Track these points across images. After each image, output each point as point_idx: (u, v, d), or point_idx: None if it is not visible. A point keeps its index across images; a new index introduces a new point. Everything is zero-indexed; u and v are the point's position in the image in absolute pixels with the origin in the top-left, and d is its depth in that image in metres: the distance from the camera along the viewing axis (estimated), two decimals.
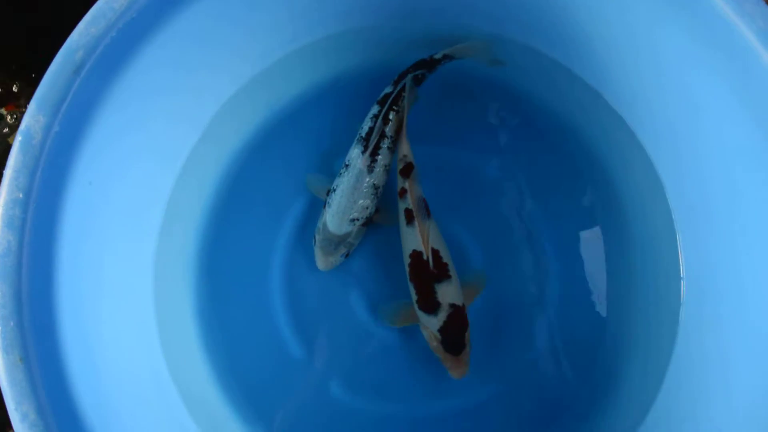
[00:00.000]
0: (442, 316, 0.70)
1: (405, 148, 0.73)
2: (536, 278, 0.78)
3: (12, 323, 0.53)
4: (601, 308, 0.76)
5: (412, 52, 0.77)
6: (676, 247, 0.72)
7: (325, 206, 0.75)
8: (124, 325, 0.66)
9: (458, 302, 0.70)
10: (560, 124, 0.79)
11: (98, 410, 0.57)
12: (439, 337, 0.70)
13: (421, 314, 0.71)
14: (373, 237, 0.79)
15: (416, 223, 0.70)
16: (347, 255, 0.76)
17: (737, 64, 0.58)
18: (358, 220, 0.74)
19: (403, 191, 0.72)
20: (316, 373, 0.78)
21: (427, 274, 0.70)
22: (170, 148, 0.72)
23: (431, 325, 0.70)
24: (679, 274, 0.72)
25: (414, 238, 0.70)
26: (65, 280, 0.57)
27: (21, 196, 0.54)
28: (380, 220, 0.77)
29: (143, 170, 0.68)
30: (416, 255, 0.70)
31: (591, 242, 0.78)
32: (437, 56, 0.75)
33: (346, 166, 0.74)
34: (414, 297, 0.71)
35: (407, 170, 0.72)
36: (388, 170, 0.75)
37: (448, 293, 0.70)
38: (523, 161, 0.80)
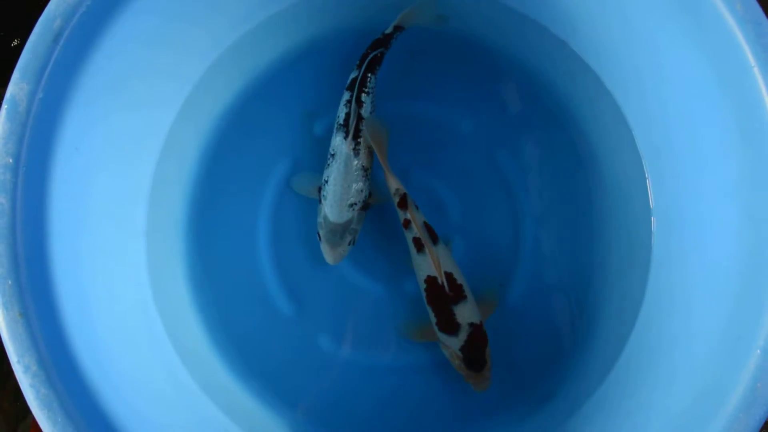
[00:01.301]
0: (463, 336, 0.72)
1: (394, 182, 0.75)
2: (512, 225, 0.81)
3: (10, 281, 0.55)
4: (576, 252, 0.79)
5: (384, 14, 0.78)
6: (646, 188, 0.75)
7: (320, 201, 0.76)
8: (117, 283, 0.69)
9: (476, 321, 0.73)
10: (530, 75, 0.82)
11: (96, 361, 0.60)
12: (461, 355, 0.73)
13: (441, 335, 0.74)
14: None
15: (426, 250, 0.72)
16: (353, 242, 0.77)
17: (694, 13, 0.60)
18: (356, 204, 0.75)
19: (407, 222, 0.74)
20: (303, 327, 0.81)
21: (444, 297, 0.72)
22: (154, 114, 0.74)
23: (453, 344, 0.73)
24: (649, 214, 0.74)
25: (427, 265, 0.72)
26: (58, 239, 0.60)
27: (11, 161, 0.57)
28: (376, 202, 0.79)
29: (129, 137, 0.70)
30: (431, 280, 0.72)
31: (564, 188, 0.81)
32: (388, 31, 0.77)
33: (332, 155, 0.75)
34: (433, 319, 0.74)
35: (403, 201, 0.74)
36: (372, 152, 0.76)
37: (466, 313, 0.72)
38: (496, 113, 0.83)
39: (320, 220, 0.76)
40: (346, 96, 0.76)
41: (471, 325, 0.72)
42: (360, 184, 0.75)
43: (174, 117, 0.76)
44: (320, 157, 0.82)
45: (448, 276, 0.72)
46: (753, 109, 0.58)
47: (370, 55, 0.76)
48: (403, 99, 0.83)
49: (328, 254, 0.76)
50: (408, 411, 0.80)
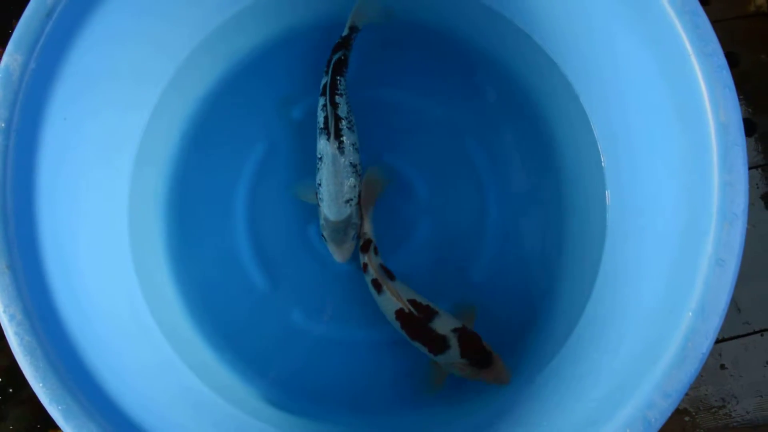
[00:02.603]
0: (454, 342, 0.73)
1: (367, 227, 0.79)
2: (477, 207, 0.86)
3: None
4: (537, 232, 0.84)
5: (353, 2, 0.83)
6: (602, 171, 0.80)
7: (319, 204, 0.79)
8: (100, 252, 0.73)
9: (458, 325, 0.75)
10: (497, 66, 0.87)
11: (78, 318, 0.64)
12: (466, 361, 0.74)
13: (440, 358, 0.75)
14: None
15: (385, 288, 0.76)
16: (356, 238, 0.80)
17: (640, 5, 0.66)
18: (352, 200, 0.78)
19: (365, 265, 0.78)
20: (278, 303, 0.85)
21: (416, 320, 0.74)
22: (139, 93, 0.79)
23: (453, 358, 0.74)
24: (604, 196, 0.80)
25: (390, 302, 0.75)
26: (45, 201, 0.64)
27: (3, 125, 0.61)
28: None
29: (114, 112, 0.75)
30: (400, 312, 0.75)
31: (526, 171, 0.86)
32: (344, 34, 0.81)
33: (320, 158, 0.78)
34: (425, 350, 0.75)
35: (366, 246, 0.78)
36: (357, 148, 0.79)
37: (445, 324, 0.74)
38: (464, 101, 0.88)
39: (321, 222, 0.79)
40: (321, 101, 0.79)
41: (455, 330, 0.74)
42: (351, 180, 0.78)
43: (159, 94, 0.80)
44: (297, 140, 0.87)
45: (412, 302, 0.75)
46: (690, 96, 0.63)
47: (334, 59, 0.79)
48: (375, 87, 0.88)
49: (336, 253, 0.79)
50: (377, 384, 0.84)
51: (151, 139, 0.81)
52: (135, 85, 0.77)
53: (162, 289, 0.82)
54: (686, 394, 0.89)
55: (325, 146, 0.77)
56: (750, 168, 1.00)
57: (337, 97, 0.78)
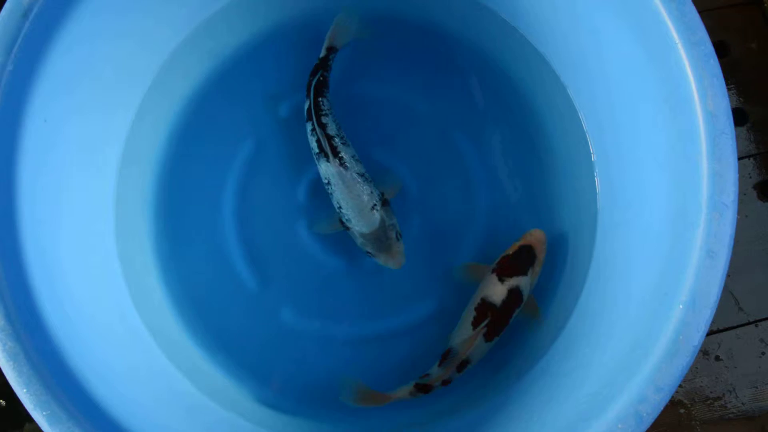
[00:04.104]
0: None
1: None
2: (467, 201, 0.85)
3: None
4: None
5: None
6: (591, 162, 0.80)
7: (348, 227, 0.78)
8: (85, 254, 0.72)
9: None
10: (485, 60, 0.86)
11: (63, 322, 0.63)
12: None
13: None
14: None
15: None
16: (399, 235, 0.78)
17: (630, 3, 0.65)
18: (375, 205, 0.76)
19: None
20: (270, 302, 0.84)
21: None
22: (122, 92, 0.78)
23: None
24: (594, 188, 0.79)
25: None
26: (27, 205, 0.63)
27: None
28: (392, 195, 0.81)
29: (97, 112, 0.74)
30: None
31: (515, 165, 0.85)
32: (322, 55, 0.80)
33: (327, 183, 0.77)
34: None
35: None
36: (358, 159, 0.78)
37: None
38: (450, 95, 0.87)
39: (361, 240, 0.77)
40: (309, 126, 0.78)
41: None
42: (366, 188, 0.76)
43: (143, 93, 0.80)
44: (286, 138, 0.86)
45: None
46: (678, 85, 0.62)
47: (314, 82, 0.78)
48: (362, 81, 0.87)
49: (390, 260, 0.77)
50: (371, 382, 0.83)
51: (136, 138, 0.80)
52: (118, 85, 0.76)
53: (150, 291, 0.81)
54: (681, 386, 0.89)
55: (327, 168, 0.76)
56: (742, 158, 0.99)
57: (322, 118, 0.77)
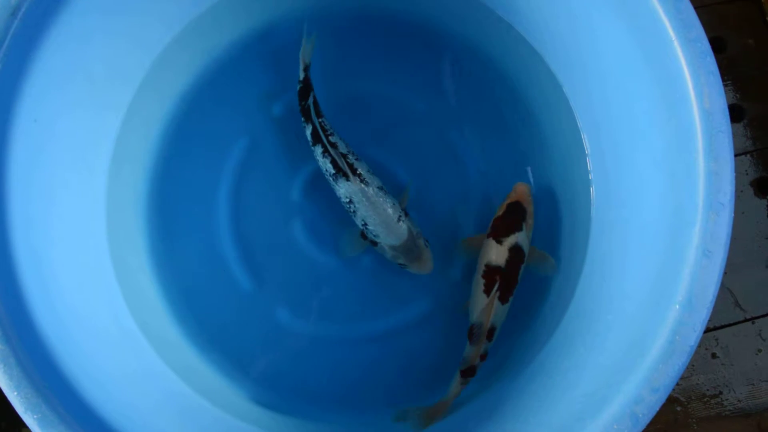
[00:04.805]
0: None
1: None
2: (463, 199, 0.85)
3: None
4: None
5: None
6: (585, 161, 0.79)
7: (376, 243, 0.78)
8: (76, 255, 0.71)
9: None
10: (480, 57, 0.85)
11: (54, 323, 0.63)
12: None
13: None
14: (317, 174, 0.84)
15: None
16: (427, 242, 0.78)
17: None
18: (401, 216, 0.77)
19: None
20: (264, 302, 0.83)
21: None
22: (113, 91, 0.77)
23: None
24: (589, 185, 0.78)
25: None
26: (18, 205, 0.63)
27: None
28: (406, 201, 0.80)
29: (88, 111, 0.73)
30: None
31: (511, 162, 0.85)
32: (301, 77, 0.80)
33: (349, 201, 0.77)
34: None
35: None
36: (372, 173, 0.78)
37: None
38: (446, 93, 0.87)
39: (392, 253, 0.77)
40: (318, 149, 0.77)
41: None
42: (389, 200, 0.77)
43: (134, 92, 0.79)
44: (279, 136, 0.85)
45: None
46: (674, 83, 0.62)
47: (307, 105, 0.78)
48: (356, 80, 0.86)
49: (421, 268, 0.78)
50: (366, 381, 0.83)
51: (128, 138, 0.80)
52: (109, 83, 0.75)
53: (144, 291, 0.80)
54: (678, 384, 0.89)
55: (349, 188, 0.76)
56: (739, 154, 0.99)
57: (330, 137, 0.77)
